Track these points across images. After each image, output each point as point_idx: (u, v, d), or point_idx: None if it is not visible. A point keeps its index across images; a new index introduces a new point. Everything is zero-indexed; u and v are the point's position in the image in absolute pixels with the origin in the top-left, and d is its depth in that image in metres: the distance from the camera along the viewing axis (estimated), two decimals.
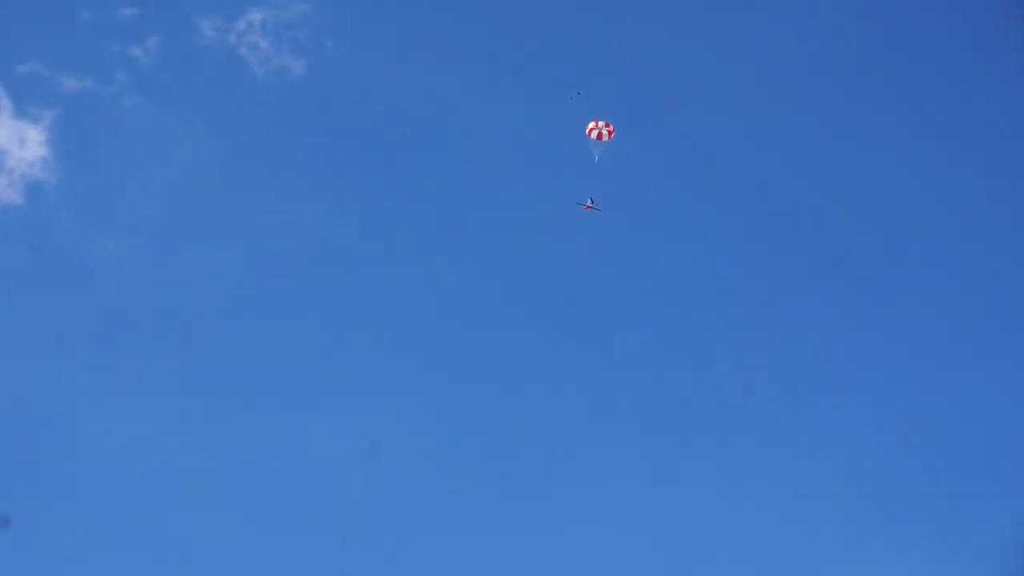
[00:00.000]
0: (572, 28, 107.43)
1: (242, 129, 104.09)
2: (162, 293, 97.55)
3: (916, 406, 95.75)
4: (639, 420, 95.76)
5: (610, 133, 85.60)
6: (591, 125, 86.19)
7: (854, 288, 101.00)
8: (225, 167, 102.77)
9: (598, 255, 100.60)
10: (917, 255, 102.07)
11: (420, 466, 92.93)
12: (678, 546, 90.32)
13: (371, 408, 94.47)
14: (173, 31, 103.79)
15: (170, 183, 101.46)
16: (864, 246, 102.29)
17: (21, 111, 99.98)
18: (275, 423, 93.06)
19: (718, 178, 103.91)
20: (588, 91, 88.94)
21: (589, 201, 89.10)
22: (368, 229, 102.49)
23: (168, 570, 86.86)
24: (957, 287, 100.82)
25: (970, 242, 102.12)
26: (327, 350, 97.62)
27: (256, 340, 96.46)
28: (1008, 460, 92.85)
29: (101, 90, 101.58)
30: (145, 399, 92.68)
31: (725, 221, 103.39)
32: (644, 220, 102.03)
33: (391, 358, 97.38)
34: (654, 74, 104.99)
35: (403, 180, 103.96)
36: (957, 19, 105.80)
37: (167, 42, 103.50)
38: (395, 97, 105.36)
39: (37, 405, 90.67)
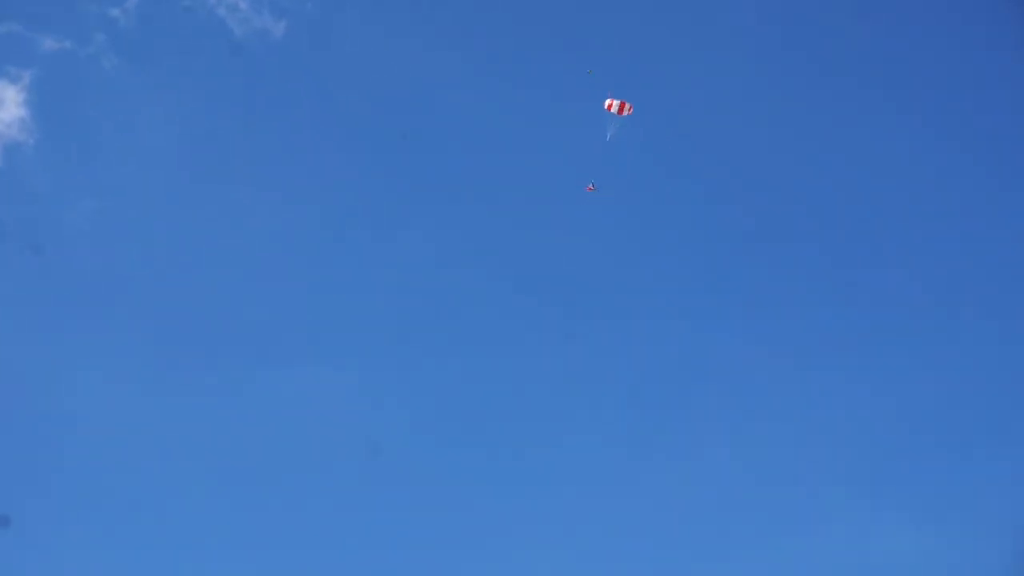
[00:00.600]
0: None
1: (221, 90, 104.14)
2: (137, 255, 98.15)
3: (907, 374, 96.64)
4: (624, 389, 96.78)
5: (629, 109, 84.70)
6: (609, 101, 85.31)
7: (844, 261, 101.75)
8: (203, 129, 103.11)
9: (585, 230, 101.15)
10: (907, 230, 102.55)
11: (399, 433, 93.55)
12: (664, 516, 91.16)
13: (343, 370, 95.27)
14: None
15: (148, 144, 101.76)
16: (852, 224, 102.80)
17: None
18: (248, 385, 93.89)
19: (705, 153, 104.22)
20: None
21: (591, 184, 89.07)
22: (347, 194, 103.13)
23: (141, 532, 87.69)
24: (949, 259, 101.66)
25: (957, 215, 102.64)
26: (306, 315, 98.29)
27: (230, 304, 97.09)
28: (997, 427, 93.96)
29: (80, 51, 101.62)
30: (116, 360, 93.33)
31: (711, 197, 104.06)
32: (632, 198, 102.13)
33: (365, 325, 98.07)
34: (646, 64, 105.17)
35: (381, 143, 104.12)
36: (956, 18, 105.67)
37: (146, 3, 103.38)
38: (374, 59, 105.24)
39: (7, 366, 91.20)
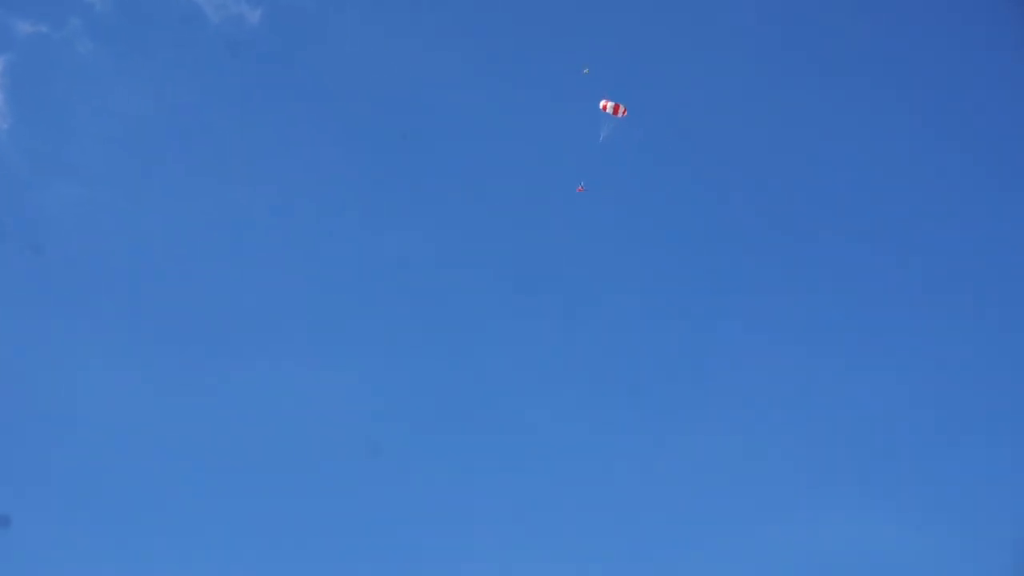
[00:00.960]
0: None
1: (196, 77, 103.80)
2: (114, 240, 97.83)
3: (900, 369, 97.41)
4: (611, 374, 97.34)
5: (624, 111, 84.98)
6: (604, 102, 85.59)
7: (839, 255, 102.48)
8: (178, 114, 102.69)
9: (577, 225, 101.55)
10: (903, 224, 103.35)
11: (392, 428, 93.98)
12: (656, 508, 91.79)
13: (335, 364, 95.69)
14: None
15: (123, 130, 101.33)
16: (845, 218, 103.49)
17: None
18: (234, 377, 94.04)
19: (697, 144, 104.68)
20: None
21: (582, 184, 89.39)
22: (325, 179, 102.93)
23: (132, 526, 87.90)
24: (945, 253, 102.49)
25: (951, 209, 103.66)
26: (284, 298, 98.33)
27: (208, 289, 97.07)
28: (989, 422, 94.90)
29: (54, 35, 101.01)
30: (92, 346, 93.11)
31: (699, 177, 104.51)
32: (626, 193, 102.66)
33: (348, 312, 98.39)
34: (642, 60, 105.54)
35: (363, 130, 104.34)
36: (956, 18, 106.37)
37: None
38: (353, 45, 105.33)
39: None
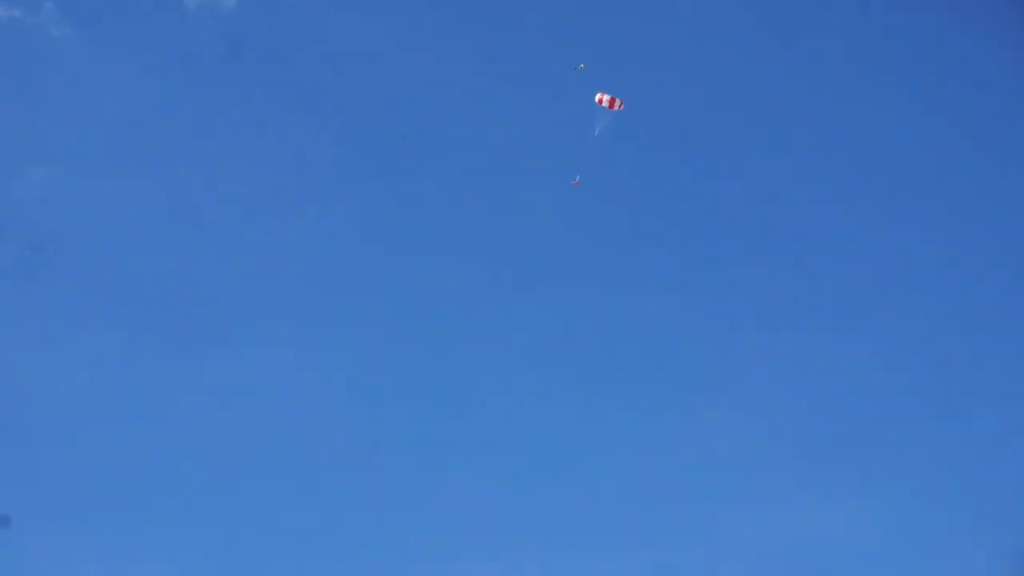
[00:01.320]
0: None
1: (172, 62, 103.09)
2: (86, 224, 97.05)
3: (851, 349, 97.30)
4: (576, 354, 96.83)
5: (620, 104, 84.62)
6: (600, 95, 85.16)
7: (786, 233, 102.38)
8: (153, 99, 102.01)
9: (538, 207, 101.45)
10: (850, 207, 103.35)
11: (339, 403, 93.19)
12: (606, 494, 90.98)
13: (289, 345, 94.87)
14: None
15: (97, 115, 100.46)
16: (789, 195, 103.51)
17: None
18: (197, 358, 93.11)
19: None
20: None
21: (577, 178, 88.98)
22: (300, 162, 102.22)
23: (89, 498, 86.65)
24: (894, 232, 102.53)
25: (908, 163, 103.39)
26: (257, 286, 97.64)
27: (179, 275, 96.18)
28: (938, 400, 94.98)
29: (28, 19, 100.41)
30: (64, 331, 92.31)
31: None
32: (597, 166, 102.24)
33: (316, 297, 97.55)
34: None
35: (333, 114, 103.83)
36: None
37: None
38: (327, 31, 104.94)
39: None
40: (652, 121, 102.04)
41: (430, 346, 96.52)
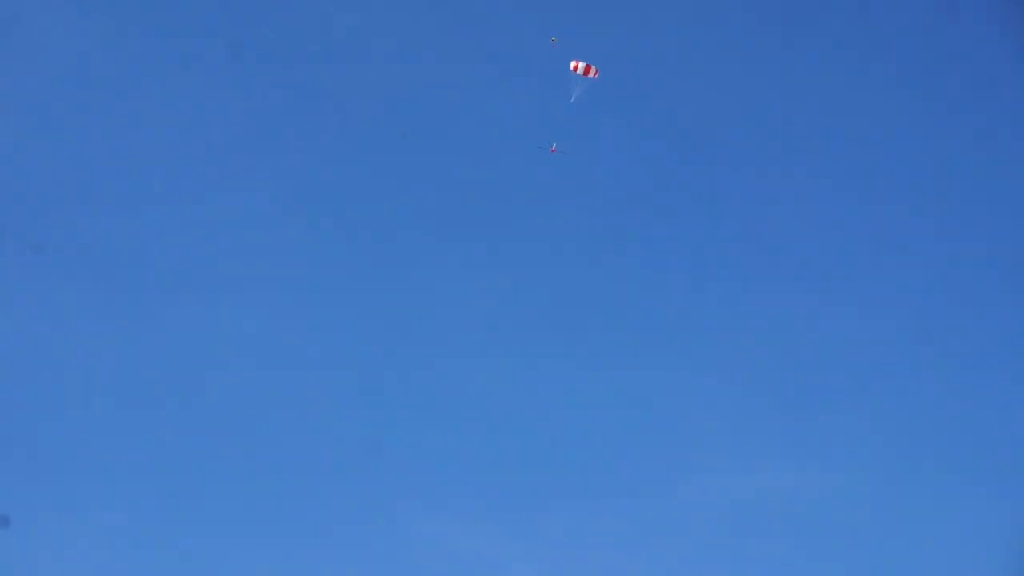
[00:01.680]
0: None
1: (136, 16, 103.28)
2: (45, 183, 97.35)
3: (792, 318, 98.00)
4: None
5: (595, 73, 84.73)
6: (575, 62, 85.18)
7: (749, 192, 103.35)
8: (116, 53, 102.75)
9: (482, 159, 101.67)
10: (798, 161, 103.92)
11: (311, 358, 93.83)
12: (548, 453, 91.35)
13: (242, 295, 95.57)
14: None
15: (61, 69, 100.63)
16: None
17: None
18: (152, 314, 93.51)
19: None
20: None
21: (553, 146, 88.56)
22: (263, 118, 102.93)
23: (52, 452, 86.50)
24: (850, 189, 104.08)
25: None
26: (218, 241, 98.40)
27: (140, 232, 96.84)
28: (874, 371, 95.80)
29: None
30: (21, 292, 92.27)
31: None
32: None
33: (274, 250, 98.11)
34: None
35: (298, 75, 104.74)
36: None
37: None
38: (328, 31, 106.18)
39: None
40: (624, 92, 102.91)
41: (381, 295, 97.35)
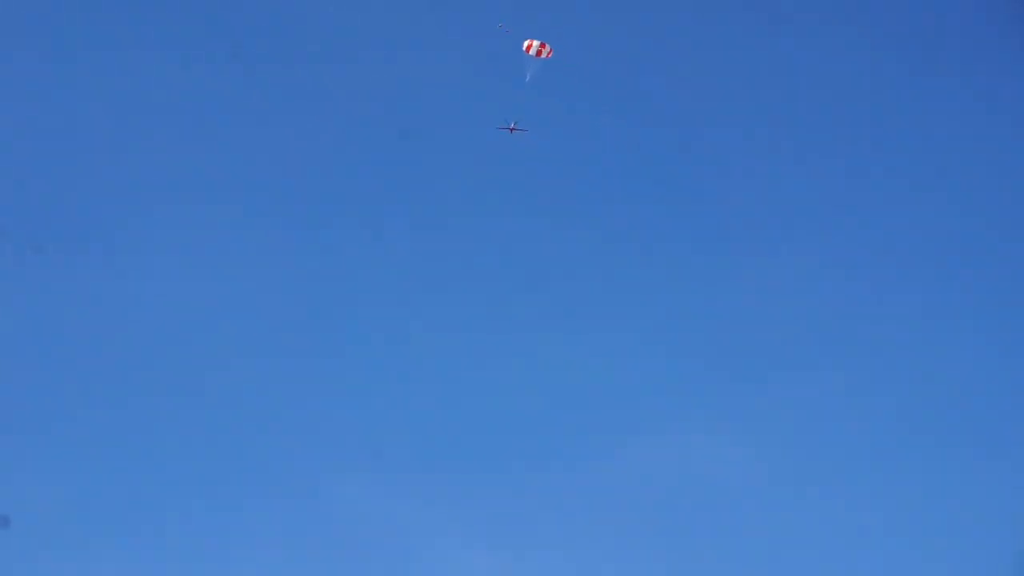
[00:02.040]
0: None
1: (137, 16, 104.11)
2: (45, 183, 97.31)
3: (741, 293, 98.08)
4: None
5: (548, 52, 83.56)
6: (528, 42, 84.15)
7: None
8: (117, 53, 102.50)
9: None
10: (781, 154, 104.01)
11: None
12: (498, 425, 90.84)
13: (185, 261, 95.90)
14: None
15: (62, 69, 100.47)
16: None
17: None
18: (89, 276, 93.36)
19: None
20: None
21: (512, 124, 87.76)
22: (263, 118, 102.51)
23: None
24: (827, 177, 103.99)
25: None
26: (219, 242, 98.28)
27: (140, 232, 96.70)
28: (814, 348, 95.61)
29: None
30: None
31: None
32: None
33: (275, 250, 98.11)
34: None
35: (298, 75, 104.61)
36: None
37: None
38: (327, 30, 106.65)
39: None
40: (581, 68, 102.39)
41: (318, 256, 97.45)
